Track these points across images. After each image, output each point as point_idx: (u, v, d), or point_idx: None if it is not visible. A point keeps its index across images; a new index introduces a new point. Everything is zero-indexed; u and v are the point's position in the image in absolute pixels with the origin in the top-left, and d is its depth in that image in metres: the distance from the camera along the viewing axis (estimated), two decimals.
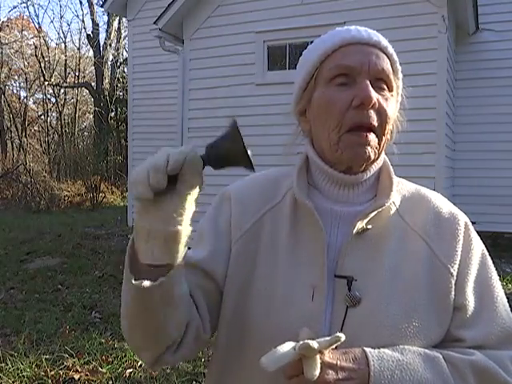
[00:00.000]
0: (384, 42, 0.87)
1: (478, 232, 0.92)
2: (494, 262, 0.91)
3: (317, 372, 0.71)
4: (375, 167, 0.90)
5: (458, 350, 0.82)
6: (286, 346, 0.72)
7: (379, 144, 0.85)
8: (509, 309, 0.89)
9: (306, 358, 0.72)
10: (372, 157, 0.85)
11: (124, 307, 0.80)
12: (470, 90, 6.94)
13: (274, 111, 6.04)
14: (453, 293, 0.84)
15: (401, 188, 0.92)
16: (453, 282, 0.84)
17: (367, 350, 0.77)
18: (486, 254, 0.91)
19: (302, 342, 0.71)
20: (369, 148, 0.83)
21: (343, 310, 0.81)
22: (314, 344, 0.71)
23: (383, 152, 0.91)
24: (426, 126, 5.46)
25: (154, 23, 6.89)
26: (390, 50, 0.88)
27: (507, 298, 0.89)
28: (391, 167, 0.92)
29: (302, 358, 0.72)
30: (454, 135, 6.85)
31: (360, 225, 0.84)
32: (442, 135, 5.67)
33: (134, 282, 0.74)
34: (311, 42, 0.93)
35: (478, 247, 0.89)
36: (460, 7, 5.96)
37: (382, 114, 0.83)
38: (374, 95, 0.82)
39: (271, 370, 0.70)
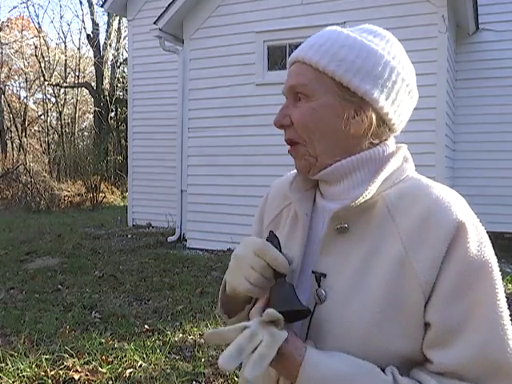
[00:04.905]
0: (304, 49, 0.88)
1: None
2: None
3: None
4: (342, 166, 0.86)
5: (419, 375, 0.76)
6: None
7: (311, 148, 0.88)
8: (511, 335, 0.74)
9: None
10: (304, 166, 0.90)
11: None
12: (470, 90, 6.95)
13: (274, 111, 6.00)
14: (421, 304, 0.76)
15: (402, 186, 0.85)
16: (421, 291, 0.75)
17: (309, 348, 0.77)
18: (489, 266, 0.77)
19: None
20: (297, 160, 0.92)
21: (313, 305, 0.83)
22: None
23: (336, 151, 0.86)
24: (426, 126, 5.47)
25: (154, 23, 6.90)
26: (311, 54, 0.87)
27: (506, 298, 0.78)
28: (386, 165, 0.85)
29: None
30: (454, 135, 6.85)
31: (334, 222, 0.84)
32: (441, 135, 5.67)
33: (221, 312, 1.02)
34: None
35: (474, 257, 0.76)
36: (460, 7, 5.97)
37: (296, 125, 0.90)
38: (278, 117, 0.93)
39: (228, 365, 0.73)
